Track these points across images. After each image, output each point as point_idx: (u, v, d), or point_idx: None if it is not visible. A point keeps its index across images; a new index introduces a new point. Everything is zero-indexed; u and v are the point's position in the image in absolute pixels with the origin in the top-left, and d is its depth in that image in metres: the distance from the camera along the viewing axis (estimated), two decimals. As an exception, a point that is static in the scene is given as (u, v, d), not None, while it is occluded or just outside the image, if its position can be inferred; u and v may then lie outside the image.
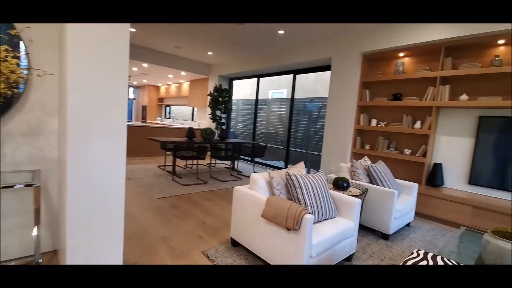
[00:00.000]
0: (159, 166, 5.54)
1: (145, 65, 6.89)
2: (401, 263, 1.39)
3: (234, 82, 7.62)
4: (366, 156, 3.25)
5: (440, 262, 1.39)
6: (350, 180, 2.86)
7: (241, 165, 6.53)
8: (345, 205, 2.17)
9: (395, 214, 2.59)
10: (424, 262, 1.38)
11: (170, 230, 2.50)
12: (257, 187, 2.09)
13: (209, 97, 6.69)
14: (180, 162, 6.09)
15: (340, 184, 2.53)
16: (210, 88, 7.38)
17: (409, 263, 1.36)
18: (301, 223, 1.65)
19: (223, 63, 7.11)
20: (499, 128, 3.14)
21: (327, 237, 1.81)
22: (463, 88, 3.40)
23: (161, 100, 11.81)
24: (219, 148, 5.14)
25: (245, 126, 7.49)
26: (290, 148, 6.04)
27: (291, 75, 5.86)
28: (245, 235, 2.10)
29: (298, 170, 2.34)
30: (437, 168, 3.53)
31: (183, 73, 7.63)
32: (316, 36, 4.51)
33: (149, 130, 6.86)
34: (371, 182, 2.92)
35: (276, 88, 7.87)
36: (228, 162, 6.54)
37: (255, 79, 6.84)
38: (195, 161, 6.25)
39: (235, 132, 7.81)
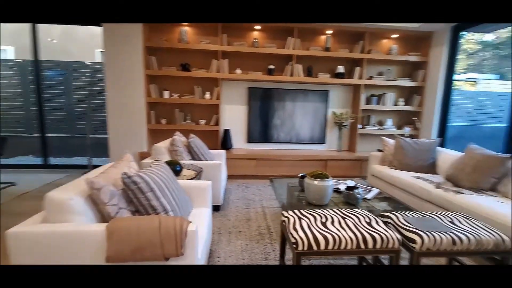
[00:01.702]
0: None
1: None
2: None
3: None
4: (177, 132, 2.95)
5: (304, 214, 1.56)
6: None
7: None
8: (196, 192, 1.83)
9: (223, 184, 2.64)
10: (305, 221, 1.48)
11: None
12: (71, 213, 1.15)
13: None
14: None
15: (173, 169, 2.09)
16: None
17: (291, 226, 1.40)
18: (186, 241, 1.14)
19: None
20: (262, 97, 4.12)
21: (205, 241, 1.43)
22: (238, 63, 4.00)
23: None
24: None
25: None
26: (48, 135, 4.16)
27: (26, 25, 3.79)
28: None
29: (128, 165, 1.59)
30: (226, 134, 4.04)
31: None
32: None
33: None
34: (193, 158, 2.72)
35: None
36: None
37: None
38: None
39: None
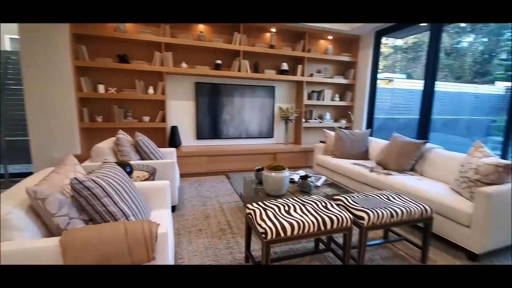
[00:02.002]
0: None
1: None
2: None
3: None
4: (120, 130, 2.68)
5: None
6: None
7: None
8: (154, 193, 1.72)
9: (177, 184, 2.53)
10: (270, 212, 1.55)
11: None
12: (11, 229, 0.96)
13: None
14: None
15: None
16: None
17: (259, 219, 1.46)
18: (157, 244, 1.08)
19: None
20: (209, 93, 4.05)
21: (172, 243, 1.37)
22: (183, 57, 3.83)
23: None
24: None
25: None
26: None
27: None
28: None
29: (73, 169, 1.39)
30: (174, 131, 3.85)
31: None
32: None
33: None
34: (142, 158, 2.52)
35: None
36: None
37: None
38: None
39: None
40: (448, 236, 1.97)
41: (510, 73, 3.87)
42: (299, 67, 4.22)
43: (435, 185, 2.32)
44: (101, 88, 3.43)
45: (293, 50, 4.19)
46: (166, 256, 1.12)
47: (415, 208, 1.71)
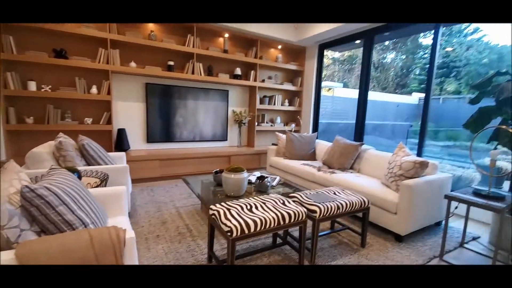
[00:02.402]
0: None
1: None
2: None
3: None
4: (61, 132, 2.42)
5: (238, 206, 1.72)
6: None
7: None
8: (109, 199, 1.64)
9: (130, 190, 2.40)
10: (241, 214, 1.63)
11: None
12: None
13: None
14: None
15: (70, 178, 1.75)
16: None
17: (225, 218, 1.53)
18: (125, 249, 1.06)
19: None
20: (161, 94, 3.91)
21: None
22: (132, 56, 3.63)
23: None
24: None
25: None
26: None
27: None
28: None
29: (17, 176, 1.24)
30: (122, 134, 3.62)
31: None
32: None
33: None
34: (88, 164, 2.32)
35: None
36: None
37: None
38: None
39: None
40: (381, 222, 2.34)
41: (423, 86, 4.69)
42: (252, 72, 4.39)
43: (369, 180, 2.71)
44: (32, 85, 3.02)
45: (246, 56, 4.35)
46: (134, 260, 1.10)
47: (356, 200, 2.00)
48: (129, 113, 3.76)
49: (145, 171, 3.55)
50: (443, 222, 2.59)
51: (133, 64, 3.53)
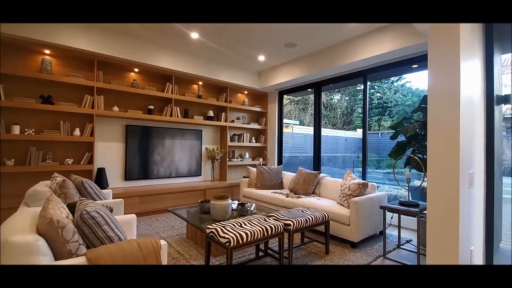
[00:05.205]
0: None
1: None
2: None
3: None
4: (55, 172, 2.62)
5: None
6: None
7: None
8: (123, 226, 1.94)
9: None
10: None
11: None
12: (39, 255, 1.14)
13: None
14: None
15: (81, 211, 2.01)
16: None
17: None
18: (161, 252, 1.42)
19: None
20: (140, 135, 4.24)
21: (156, 259, 1.66)
22: (114, 101, 3.98)
23: None
24: None
25: None
26: None
27: None
28: None
29: (61, 205, 1.53)
30: (101, 172, 3.79)
31: None
32: None
33: None
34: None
35: None
36: None
37: None
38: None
39: None
40: (339, 234, 2.92)
41: (363, 122, 5.73)
42: (223, 114, 5.01)
43: (328, 201, 3.34)
44: (16, 129, 3.16)
45: (217, 101, 4.99)
46: (166, 261, 1.46)
47: (319, 215, 2.57)
48: (109, 153, 3.98)
49: (126, 208, 3.70)
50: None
51: (116, 108, 3.87)
